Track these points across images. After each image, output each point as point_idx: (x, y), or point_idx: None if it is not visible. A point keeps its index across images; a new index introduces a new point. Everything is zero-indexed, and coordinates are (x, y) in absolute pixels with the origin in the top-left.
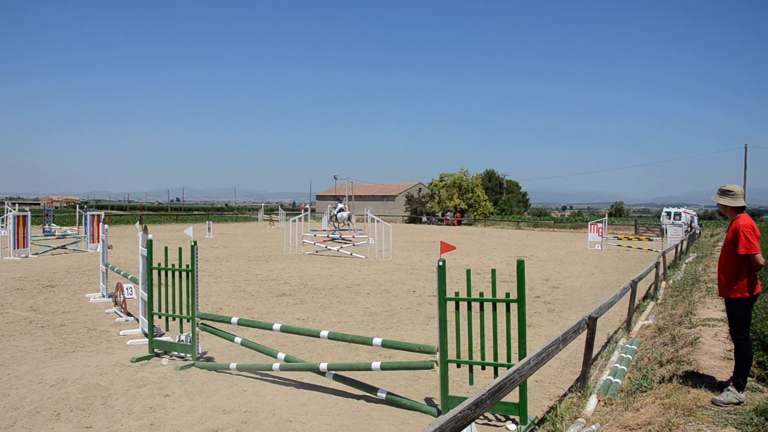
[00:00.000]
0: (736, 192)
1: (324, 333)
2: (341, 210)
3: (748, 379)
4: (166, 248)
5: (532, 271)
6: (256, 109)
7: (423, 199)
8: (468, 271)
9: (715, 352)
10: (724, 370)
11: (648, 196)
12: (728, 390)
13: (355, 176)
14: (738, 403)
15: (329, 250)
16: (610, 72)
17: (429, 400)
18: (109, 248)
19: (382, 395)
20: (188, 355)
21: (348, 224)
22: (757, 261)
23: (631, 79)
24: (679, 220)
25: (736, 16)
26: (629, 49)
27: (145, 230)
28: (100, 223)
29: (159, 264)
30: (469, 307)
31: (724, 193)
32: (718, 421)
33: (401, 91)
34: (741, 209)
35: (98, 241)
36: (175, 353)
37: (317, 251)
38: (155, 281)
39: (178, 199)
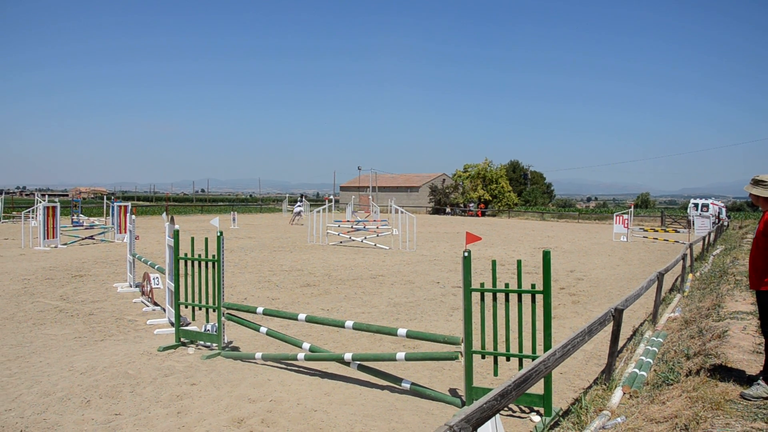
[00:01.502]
0: None
1: (349, 323)
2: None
3: None
4: (192, 238)
5: (556, 263)
6: (280, 100)
7: (447, 190)
8: (493, 262)
9: (743, 346)
10: (753, 364)
11: (674, 188)
12: (758, 384)
13: (379, 167)
14: None
15: (353, 240)
16: (635, 66)
17: (453, 391)
18: (136, 239)
19: (406, 386)
20: (214, 345)
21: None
22: None
23: (656, 73)
24: (707, 211)
25: (748, 14)
26: (653, 45)
27: (172, 221)
28: (127, 214)
29: (185, 254)
30: (494, 298)
31: (757, 183)
32: (747, 416)
33: (425, 81)
34: None
35: (125, 232)
36: (201, 342)
37: (341, 242)
38: (182, 271)
39: (203, 190)
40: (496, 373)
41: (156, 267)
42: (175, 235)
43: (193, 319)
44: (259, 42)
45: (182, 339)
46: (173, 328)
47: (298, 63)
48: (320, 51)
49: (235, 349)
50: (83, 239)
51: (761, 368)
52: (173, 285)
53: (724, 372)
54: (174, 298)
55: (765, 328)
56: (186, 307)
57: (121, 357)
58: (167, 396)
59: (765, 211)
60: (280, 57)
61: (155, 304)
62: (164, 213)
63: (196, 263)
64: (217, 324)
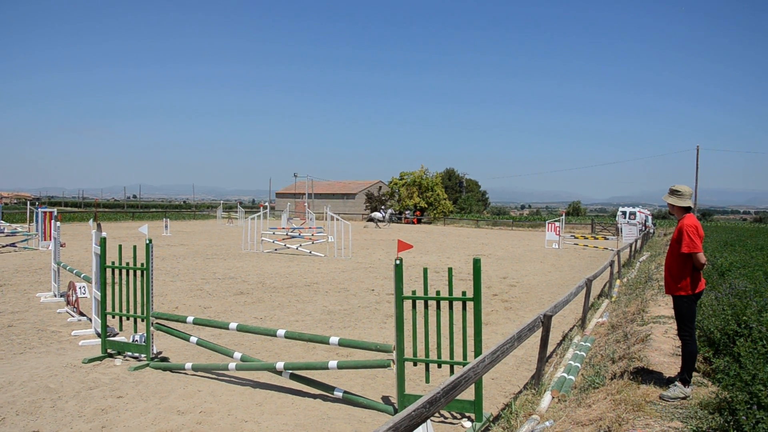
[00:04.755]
0: (684, 192)
1: (281, 332)
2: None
3: (695, 374)
4: (120, 246)
5: (490, 270)
6: (214, 105)
7: (383, 198)
8: (425, 270)
9: (664, 349)
10: (672, 366)
11: (604, 196)
12: (675, 385)
13: (316, 174)
14: (684, 398)
15: (288, 248)
16: (566, 72)
17: (386, 399)
18: (61, 246)
19: (339, 394)
20: (142, 356)
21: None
22: (699, 260)
23: (585, 78)
24: (634, 219)
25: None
26: (587, 51)
27: (99, 228)
28: (52, 221)
29: (113, 262)
30: (426, 306)
31: (673, 192)
32: (665, 416)
33: (362, 89)
34: (687, 209)
35: (50, 239)
36: (129, 353)
37: (276, 249)
38: (109, 280)
39: (134, 196)
40: (428, 380)
41: (82, 276)
42: (102, 242)
43: (121, 329)
44: (191, 46)
45: (109, 350)
46: (99, 339)
47: (231, 68)
48: (254, 56)
49: (165, 359)
50: (3, 247)
51: (678, 370)
52: (100, 294)
53: (645, 374)
54: (101, 307)
55: (681, 331)
56: (113, 317)
57: (42, 370)
58: (91, 410)
59: (680, 219)
60: (213, 61)
61: (81, 314)
62: (91, 220)
63: (123, 271)
64: (145, 334)
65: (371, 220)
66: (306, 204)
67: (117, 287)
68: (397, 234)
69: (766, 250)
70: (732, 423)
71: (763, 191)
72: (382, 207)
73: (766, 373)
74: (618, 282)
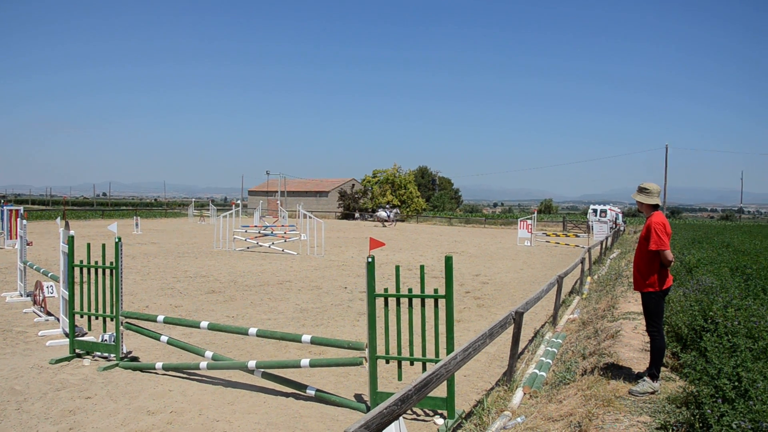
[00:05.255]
0: (652, 190)
1: (252, 330)
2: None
3: (663, 369)
4: (88, 245)
5: (462, 267)
6: (187, 102)
7: (356, 195)
8: (397, 267)
9: (634, 344)
10: (641, 362)
11: (576, 194)
12: (643, 380)
13: (289, 172)
14: (653, 393)
15: (261, 246)
16: (538, 70)
17: (358, 397)
18: (28, 245)
19: (311, 392)
20: (112, 356)
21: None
22: (666, 257)
23: (557, 77)
24: (605, 217)
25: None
26: (562, 49)
27: (67, 226)
28: (19, 218)
29: (81, 261)
30: (398, 303)
31: (641, 190)
32: (634, 411)
33: (335, 86)
34: (655, 207)
35: (16, 237)
36: (98, 354)
37: (248, 247)
38: (77, 279)
39: (104, 194)
40: (400, 378)
41: (49, 275)
42: (70, 240)
43: (90, 329)
44: (160, 43)
45: (77, 350)
46: (67, 339)
47: (203, 65)
48: (226, 54)
49: (135, 359)
50: None
51: (647, 366)
52: (68, 293)
53: (615, 370)
54: (69, 307)
55: (649, 327)
56: (82, 316)
57: (7, 372)
58: (58, 411)
59: (648, 216)
60: (185, 59)
61: (48, 313)
62: (59, 218)
63: (92, 270)
64: (115, 333)
65: (379, 220)
66: (279, 202)
67: (85, 286)
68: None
69: (733, 247)
70: (698, 417)
71: (731, 189)
72: (387, 206)
73: (731, 368)
74: (589, 279)
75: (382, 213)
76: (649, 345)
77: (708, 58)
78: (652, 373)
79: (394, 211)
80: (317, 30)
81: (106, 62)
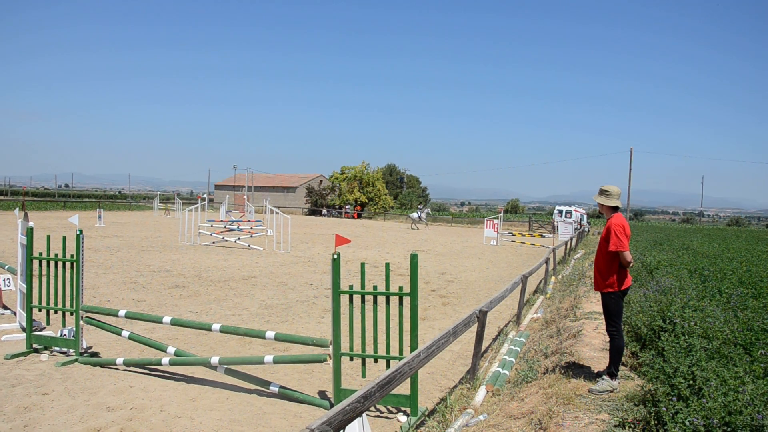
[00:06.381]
0: (612, 192)
1: (216, 326)
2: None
3: (623, 368)
4: (48, 236)
5: (428, 265)
6: (153, 93)
7: (324, 192)
8: (362, 264)
9: (595, 344)
10: (601, 361)
11: (542, 194)
12: (603, 379)
13: (256, 166)
14: (612, 391)
15: (226, 241)
16: (505, 72)
17: (322, 394)
18: None
19: (274, 389)
20: (71, 351)
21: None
22: (626, 258)
23: (525, 80)
24: (570, 218)
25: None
26: (531, 51)
27: (26, 217)
28: None
29: (41, 253)
30: (363, 300)
31: (602, 192)
32: (593, 409)
33: (304, 79)
34: (615, 209)
35: None
36: (57, 349)
37: (214, 242)
38: (36, 272)
39: (66, 185)
40: (364, 375)
41: (7, 267)
42: (29, 232)
43: (48, 323)
44: (131, 33)
45: (35, 345)
46: (24, 334)
47: (171, 55)
48: (193, 44)
49: (95, 354)
50: None
51: (607, 365)
52: (26, 286)
53: (576, 369)
54: (26, 300)
55: (609, 327)
56: (40, 310)
57: None
58: (13, 408)
59: (608, 218)
60: (152, 48)
61: (5, 307)
62: (18, 208)
63: (52, 263)
64: (74, 328)
65: (412, 221)
66: (246, 197)
67: (45, 279)
68: (337, 228)
69: (692, 249)
70: (654, 414)
71: (691, 193)
72: (419, 207)
73: (687, 367)
74: (553, 279)
75: (414, 214)
76: (608, 344)
77: (673, 68)
78: (611, 371)
79: (426, 211)
80: (286, 20)
81: (70, 51)
